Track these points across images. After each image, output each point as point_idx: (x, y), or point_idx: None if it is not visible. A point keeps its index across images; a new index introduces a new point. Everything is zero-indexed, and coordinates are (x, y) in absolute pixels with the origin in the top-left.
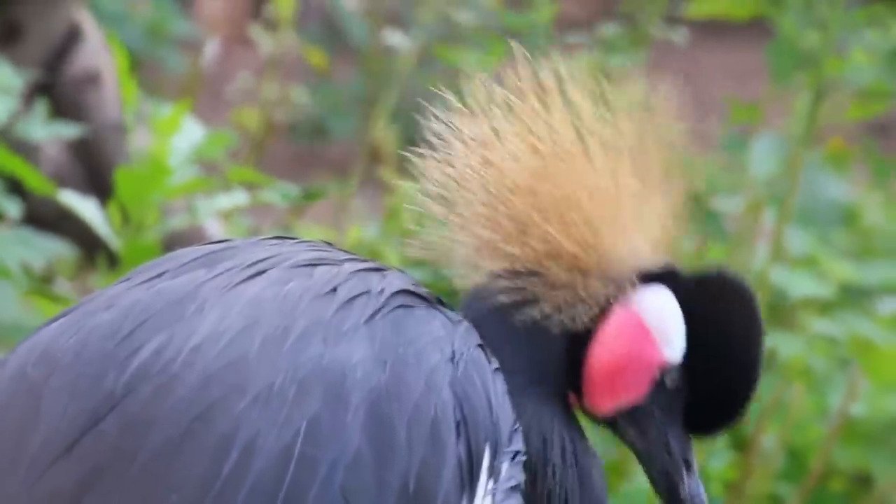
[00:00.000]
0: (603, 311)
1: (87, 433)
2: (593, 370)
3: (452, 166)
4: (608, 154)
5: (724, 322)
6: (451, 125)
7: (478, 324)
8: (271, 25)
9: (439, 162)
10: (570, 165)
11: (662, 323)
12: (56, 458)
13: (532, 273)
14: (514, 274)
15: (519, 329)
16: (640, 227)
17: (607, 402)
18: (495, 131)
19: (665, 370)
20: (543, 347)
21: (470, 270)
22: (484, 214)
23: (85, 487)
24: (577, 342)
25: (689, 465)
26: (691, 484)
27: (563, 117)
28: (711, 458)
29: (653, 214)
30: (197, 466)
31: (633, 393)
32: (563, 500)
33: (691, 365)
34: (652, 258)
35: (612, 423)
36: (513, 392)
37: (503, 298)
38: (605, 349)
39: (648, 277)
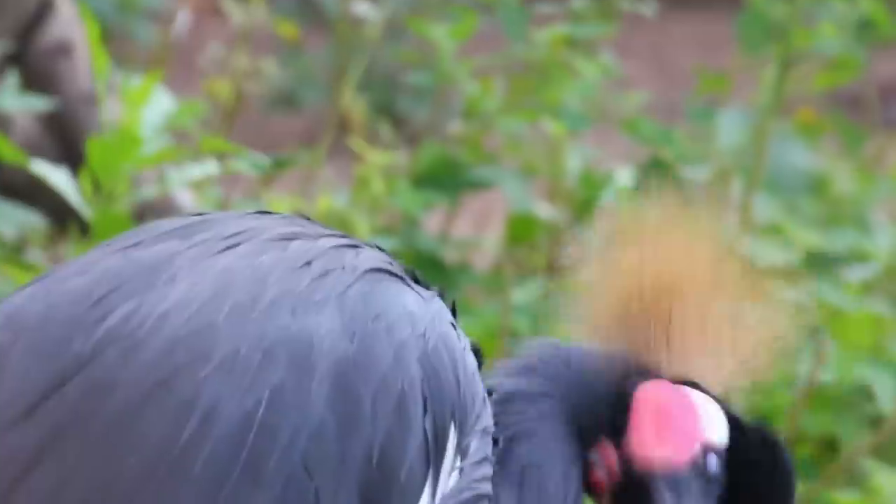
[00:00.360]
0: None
1: (49, 395)
2: (642, 402)
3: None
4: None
5: (763, 470)
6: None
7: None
8: None
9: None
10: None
11: (706, 409)
12: (17, 419)
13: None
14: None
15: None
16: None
17: (651, 445)
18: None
19: (708, 449)
20: (599, 389)
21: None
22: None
23: (44, 448)
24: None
25: None
26: None
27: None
28: None
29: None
30: (156, 430)
31: (677, 449)
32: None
33: (732, 476)
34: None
35: (646, 484)
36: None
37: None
38: (657, 395)
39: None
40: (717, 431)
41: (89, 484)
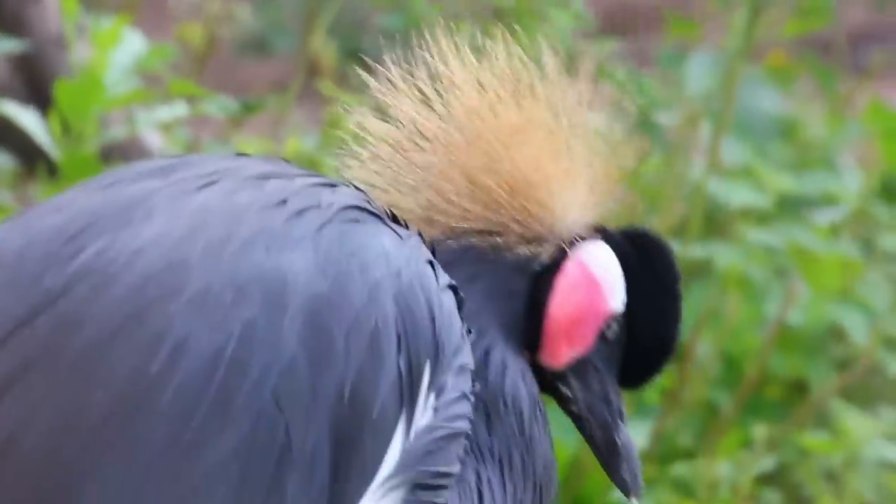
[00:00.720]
0: (555, 264)
1: (20, 328)
2: (556, 319)
3: (400, 126)
4: (550, 110)
5: (653, 275)
6: (395, 83)
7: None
8: None
9: (385, 123)
10: (512, 121)
11: (609, 274)
12: None
13: (486, 223)
14: (468, 231)
15: (486, 278)
16: (582, 176)
17: (565, 351)
18: (439, 89)
19: (609, 321)
20: (508, 299)
21: (425, 226)
22: (433, 174)
23: (12, 380)
24: (533, 296)
25: (622, 415)
26: (622, 433)
27: (505, 76)
28: None
29: (592, 171)
30: (125, 364)
31: (584, 343)
32: (522, 435)
33: (632, 319)
34: (591, 213)
35: (554, 380)
36: (478, 332)
37: (464, 247)
38: (565, 299)
39: (591, 231)
40: (617, 296)
41: (57, 416)
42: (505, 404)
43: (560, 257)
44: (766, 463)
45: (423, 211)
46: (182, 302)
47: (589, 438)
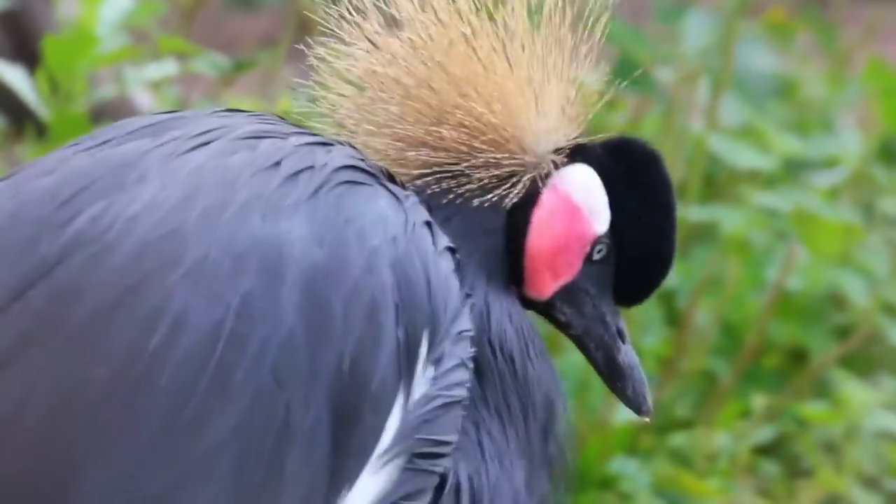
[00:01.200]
0: (530, 197)
1: (16, 299)
2: (534, 253)
3: (357, 65)
4: (512, 34)
5: (641, 186)
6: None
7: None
8: None
9: (345, 62)
10: (474, 50)
11: (589, 197)
12: None
13: (457, 161)
14: (440, 165)
15: (460, 219)
16: (552, 105)
17: (549, 283)
18: (397, 26)
19: (595, 243)
20: (485, 237)
21: (396, 167)
22: (398, 111)
23: (10, 355)
24: (513, 231)
25: (622, 335)
26: (627, 352)
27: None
28: (645, 334)
29: (563, 91)
30: (123, 340)
31: (570, 270)
32: (516, 379)
33: (615, 234)
34: (566, 133)
35: (546, 308)
36: (463, 276)
37: (437, 189)
38: (542, 232)
39: (568, 153)
40: (601, 217)
41: (56, 393)
42: (493, 352)
43: (535, 189)
44: (765, 433)
45: (396, 152)
46: (180, 273)
47: (591, 360)
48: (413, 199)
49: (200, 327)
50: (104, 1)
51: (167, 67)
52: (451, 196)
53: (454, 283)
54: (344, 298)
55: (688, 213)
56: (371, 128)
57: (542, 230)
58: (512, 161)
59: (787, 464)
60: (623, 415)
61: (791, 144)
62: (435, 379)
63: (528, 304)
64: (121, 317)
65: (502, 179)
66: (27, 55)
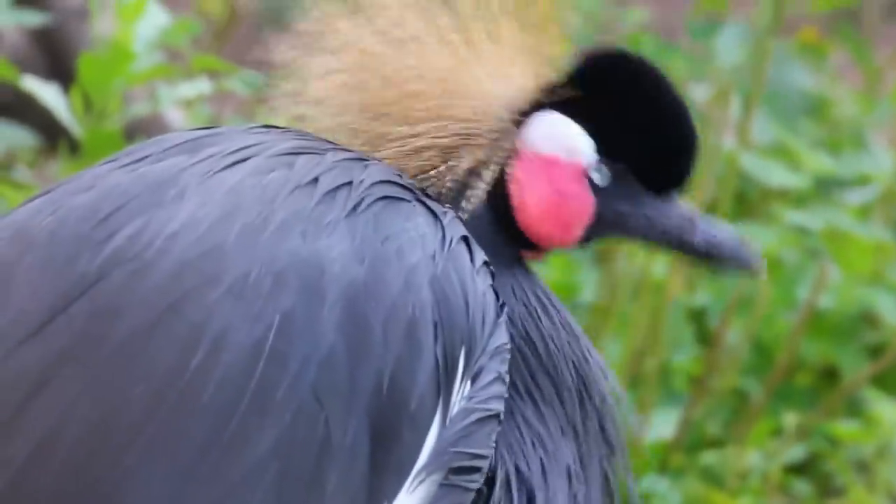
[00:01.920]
0: (504, 165)
1: (56, 316)
2: (535, 226)
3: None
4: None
5: (613, 88)
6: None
7: None
8: None
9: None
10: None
11: (558, 140)
12: (24, 338)
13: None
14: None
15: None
16: (505, 67)
17: (569, 233)
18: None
19: (589, 174)
20: (474, 224)
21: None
22: (364, 111)
23: (51, 371)
24: (502, 206)
25: (688, 222)
26: (703, 231)
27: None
28: (676, 352)
29: (514, 50)
30: (164, 358)
31: (582, 213)
32: (539, 356)
33: (616, 146)
34: (527, 88)
35: (590, 241)
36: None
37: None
38: (528, 204)
39: (529, 109)
40: (580, 148)
41: (96, 411)
42: (509, 335)
43: (504, 162)
44: (797, 452)
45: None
46: (220, 291)
47: (681, 255)
48: (450, 214)
49: (241, 345)
50: (139, 19)
51: (200, 86)
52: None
53: (491, 298)
54: (383, 316)
55: None
56: (340, 126)
57: (525, 202)
58: (476, 148)
59: (818, 483)
60: (654, 432)
61: (822, 163)
62: (472, 394)
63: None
64: (161, 335)
65: (472, 173)
66: (61, 73)
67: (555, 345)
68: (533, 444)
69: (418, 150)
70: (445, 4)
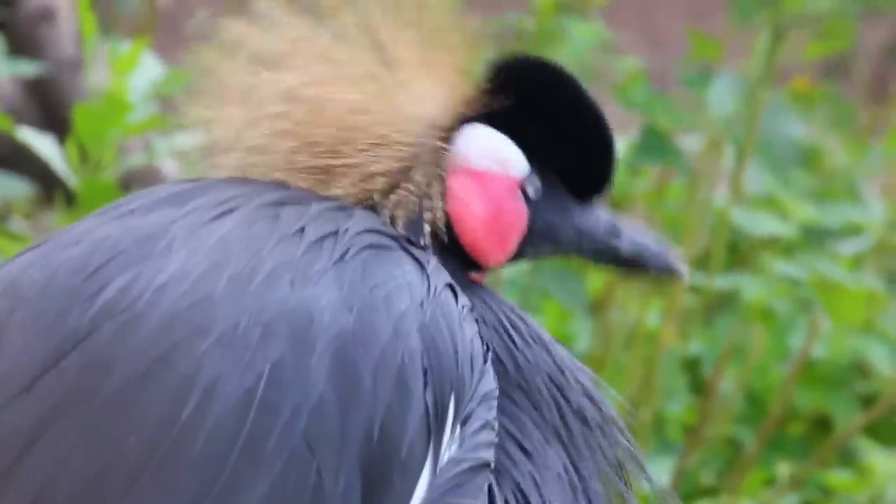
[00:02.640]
0: (443, 183)
1: (48, 371)
2: (472, 240)
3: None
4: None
5: (536, 99)
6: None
7: None
8: None
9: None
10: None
11: (489, 153)
12: (16, 394)
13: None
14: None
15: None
16: (422, 89)
17: (503, 250)
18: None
19: (521, 186)
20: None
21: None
22: (300, 151)
23: (43, 426)
24: (447, 227)
25: (614, 231)
26: (627, 239)
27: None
28: (670, 401)
29: (431, 70)
30: (156, 409)
31: (516, 225)
32: (507, 375)
33: (542, 153)
34: (448, 105)
35: (524, 257)
36: None
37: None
38: (466, 219)
39: (454, 125)
40: (512, 160)
41: (90, 464)
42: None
43: (434, 182)
44: (790, 501)
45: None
46: (210, 342)
47: (604, 267)
48: (434, 261)
49: (232, 395)
50: (134, 70)
51: (196, 137)
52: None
53: (478, 344)
54: (373, 365)
55: (711, 281)
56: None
57: (463, 217)
58: (397, 170)
59: None
60: (645, 485)
61: (813, 213)
62: (462, 441)
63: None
64: (152, 386)
65: (414, 197)
66: (56, 124)
67: (525, 359)
68: (521, 460)
69: (365, 179)
70: (361, 34)
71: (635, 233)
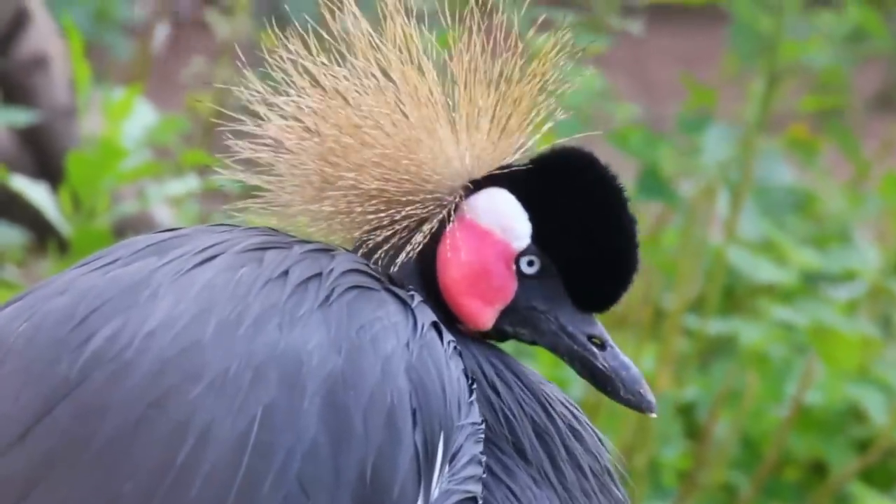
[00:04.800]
0: (438, 234)
1: (40, 420)
2: (449, 285)
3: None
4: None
5: (569, 190)
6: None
7: None
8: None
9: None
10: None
11: (498, 217)
12: (9, 444)
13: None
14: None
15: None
16: (473, 134)
17: (483, 312)
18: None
19: (518, 259)
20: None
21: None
22: (319, 155)
23: (37, 475)
24: (428, 274)
25: (600, 341)
26: (607, 356)
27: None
28: (665, 446)
29: (487, 120)
30: (151, 454)
31: (503, 293)
32: (517, 414)
33: (554, 244)
34: (486, 166)
35: (500, 336)
36: None
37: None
38: (450, 263)
39: (477, 184)
40: (518, 232)
41: None
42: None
43: (443, 227)
44: None
45: (326, 221)
46: (202, 387)
47: (574, 369)
48: (417, 299)
49: (226, 439)
50: (127, 117)
51: (189, 183)
52: (387, 247)
53: (464, 381)
54: (363, 406)
55: (706, 326)
56: (315, 191)
57: (450, 262)
58: (424, 205)
59: None
60: None
61: (809, 258)
62: (452, 475)
63: (483, 335)
64: (146, 432)
65: (414, 227)
66: (49, 171)
67: (510, 404)
68: (506, 499)
69: (365, 197)
70: (437, 66)
71: (619, 354)
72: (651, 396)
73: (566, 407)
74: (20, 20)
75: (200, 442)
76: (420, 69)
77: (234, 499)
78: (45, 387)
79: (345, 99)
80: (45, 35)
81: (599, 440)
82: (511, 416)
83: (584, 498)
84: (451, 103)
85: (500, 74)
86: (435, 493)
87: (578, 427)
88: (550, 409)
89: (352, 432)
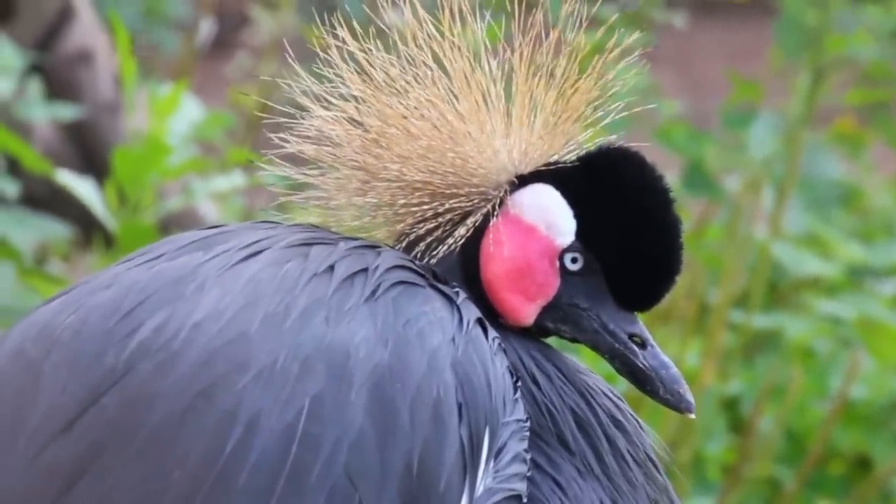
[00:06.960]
0: (487, 218)
1: (87, 409)
2: (491, 280)
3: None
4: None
5: (615, 188)
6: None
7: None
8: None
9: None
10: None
11: (543, 213)
12: (56, 433)
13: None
14: (417, 224)
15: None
16: (523, 129)
17: (524, 308)
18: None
19: (563, 255)
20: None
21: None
22: (364, 145)
23: (84, 463)
24: (472, 259)
25: (641, 340)
26: (647, 356)
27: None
28: (709, 441)
29: (538, 116)
30: (199, 443)
31: (546, 289)
32: (559, 406)
33: (598, 242)
34: (532, 161)
35: (541, 332)
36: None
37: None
38: (493, 258)
39: (523, 180)
40: (560, 226)
41: (134, 499)
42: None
43: (487, 221)
44: None
45: (370, 214)
46: (249, 378)
47: (614, 367)
48: (462, 296)
49: (274, 429)
50: (173, 113)
51: (234, 179)
52: (430, 240)
53: (509, 377)
54: (410, 399)
55: (751, 320)
56: (359, 183)
57: (493, 257)
58: (469, 198)
59: None
60: None
61: (854, 252)
62: (496, 472)
63: (524, 330)
64: (194, 421)
65: (458, 220)
66: (95, 167)
67: (553, 398)
68: (552, 492)
69: (410, 189)
70: (492, 55)
71: (659, 353)
72: (690, 397)
73: (608, 397)
74: (64, 15)
75: (248, 432)
76: (475, 61)
77: (281, 488)
78: (91, 377)
79: (394, 88)
80: (89, 30)
81: (641, 428)
82: (553, 409)
83: (629, 486)
84: (502, 96)
85: (559, 71)
86: (480, 488)
87: (620, 417)
88: (592, 399)
89: (398, 425)
